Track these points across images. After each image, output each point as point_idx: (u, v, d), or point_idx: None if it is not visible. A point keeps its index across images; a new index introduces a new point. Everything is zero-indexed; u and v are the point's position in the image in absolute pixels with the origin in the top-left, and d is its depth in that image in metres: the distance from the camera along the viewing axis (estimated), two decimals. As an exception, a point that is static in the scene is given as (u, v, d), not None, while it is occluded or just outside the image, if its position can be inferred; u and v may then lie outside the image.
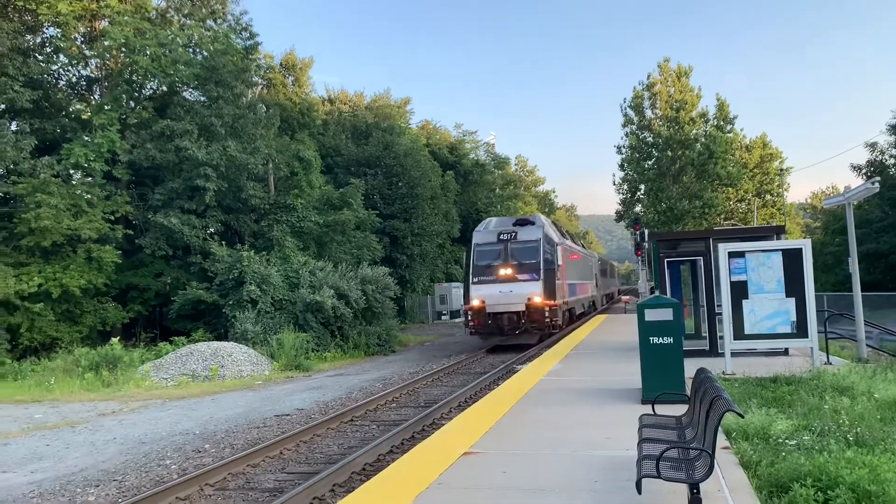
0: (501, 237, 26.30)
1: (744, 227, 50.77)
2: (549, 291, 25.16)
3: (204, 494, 9.06)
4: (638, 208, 57.86)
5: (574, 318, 32.50)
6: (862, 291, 16.25)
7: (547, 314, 24.76)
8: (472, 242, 27.03)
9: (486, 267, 25.86)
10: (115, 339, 24.44)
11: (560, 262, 26.68)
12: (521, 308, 24.86)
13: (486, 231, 27.41)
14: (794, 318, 12.99)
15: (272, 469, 10.33)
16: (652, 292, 20.52)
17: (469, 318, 25.72)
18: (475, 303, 25.37)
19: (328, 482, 8.79)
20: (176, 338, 27.44)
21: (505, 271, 25.47)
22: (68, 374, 22.00)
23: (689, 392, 7.63)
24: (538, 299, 24.74)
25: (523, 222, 27.06)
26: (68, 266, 28.19)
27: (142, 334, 31.29)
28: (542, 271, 25.22)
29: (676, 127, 55.54)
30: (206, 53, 33.86)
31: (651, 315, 10.40)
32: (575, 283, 32.11)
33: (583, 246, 44.79)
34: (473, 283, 25.79)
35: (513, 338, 25.44)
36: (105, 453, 12.07)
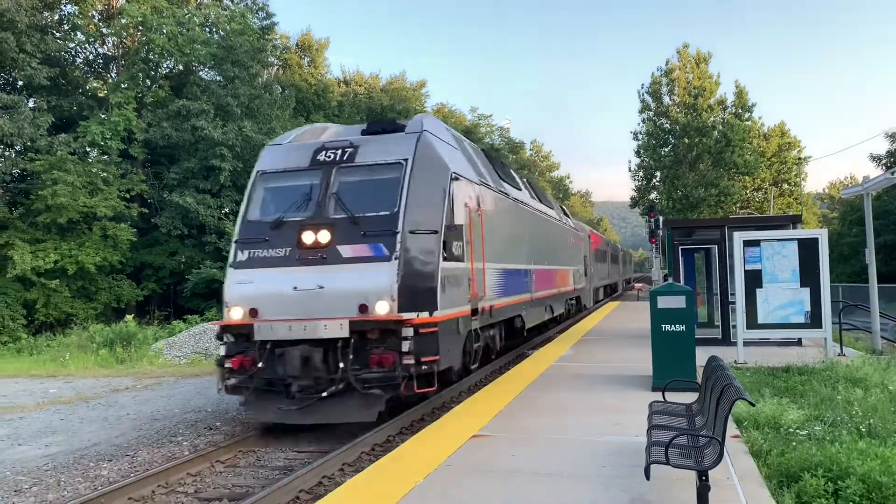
0: (321, 158, 11.49)
1: (759, 215, 50.38)
2: (419, 288, 10.48)
3: (215, 471, 9.14)
4: (653, 195, 57.58)
5: (521, 338, 18.11)
6: (878, 283, 16.11)
7: (409, 347, 9.93)
8: (254, 171, 12.21)
9: (271, 228, 11.05)
10: (129, 317, 24.66)
11: (465, 220, 12.16)
12: (341, 332, 9.91)
13: (288, 147, 12.34)
14: (808, 308, 12.90)
15: (283, 448, 10.40)
16: (665, 280, 20.41)
17: (223, 353, 10.86)
18: (233, 315, 10.72)
19: (338, 461, 8.84)
20: (189, 316, 27.67)
21: (312, 237, 10.66)
22: (83, 350, 22.24)
23: (700, 380, 7.61)
24: (385, 307, 10.07)
25: (383, 128, 12.35)
26: (84, 243, 28.44)
27: (156, 312, 31.56)
28: (400, 239, 10.39)
29: (694, 114, 55.06)
30: (222, 33, 33.89)
31: (664, 302, 10.36)
32: (525, 272, 17.24)
33: (565, 211, 28.88)
34: (234, 265, 11.11)
35: (316, 409, 10.02)
36: (118, 428, 12.20)
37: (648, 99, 57.66)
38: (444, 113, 64.85)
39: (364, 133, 12.24)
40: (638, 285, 52.63)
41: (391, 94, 54.65)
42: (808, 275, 12.86)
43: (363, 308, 10.03)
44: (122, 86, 31.28)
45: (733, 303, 14.00)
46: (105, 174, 29.61)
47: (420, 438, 7.87)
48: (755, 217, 41.74)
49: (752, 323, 13.06)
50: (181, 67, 34.25)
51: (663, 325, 10.28)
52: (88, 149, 30.43)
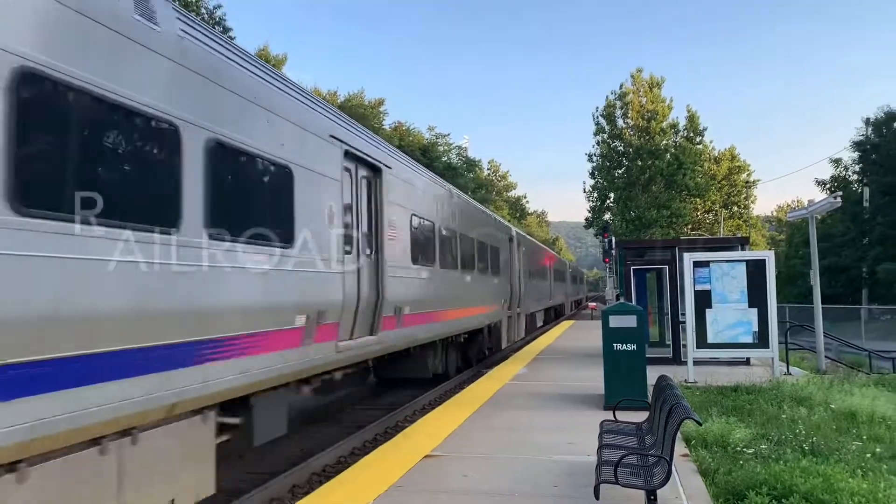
0: None
1: (709, 237, 51.47)
2: None
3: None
4: (607, 216, 58.41)
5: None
6: (823, 304, 16.55)
7: None
8: None
9: None
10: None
11: None
12: None
13: None
14: (756, 328, 13.17)
15: (232, 470, 10.18)
16: (618, 299, 20.67)
17: None
18: None
19: (287, 483, 8.70)
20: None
21: None
22: None
23: (650, 399, 7.70)
24: None
25: None
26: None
27: None
28: None
29: (647, 137, 56.21)
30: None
31: (615, 321, 10.48)
32: None
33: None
34: None
35: None
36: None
37: (603, 122, 58.70)
38: (402, 131, 65.02)
39: None
40: (592, 304, 53.21)
41: (349, 112, 54.59)
42: (756, 295, 13.15)
43: None
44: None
45: (684, 322, 14.22)
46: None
47: (371, 459, 7.78)
48: (705, 238, 42.63)
49: (701, 342, 13.27)
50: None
51: (615, 344, 10.39)
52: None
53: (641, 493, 5.31)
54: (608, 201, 59.55)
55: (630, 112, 57.45)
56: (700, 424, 6.00)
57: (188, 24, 6.21)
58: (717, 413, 9.60)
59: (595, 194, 60.09)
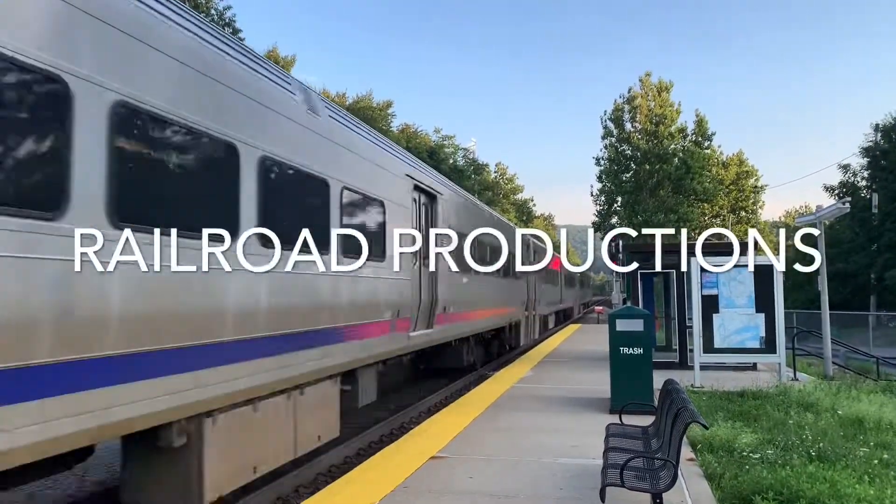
0: None
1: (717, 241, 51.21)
2: None
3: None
4: (614, 220, 58.29)
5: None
6: (830, 310, 16.48)
7: None
8: None
9: None
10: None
11: None
12: None
13: None
14: (763, 333, 13.13)
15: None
16: (624, 303, 20.61)
17: None
18: None
19: (293, 483, 8.70)
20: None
21: None
22: None
23: (657, 403, 7.69)
24: None
25: None
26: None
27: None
28: None
29: (655, 141, 56.10)
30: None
31: (622, 325, 10.47)
32: None
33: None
34: None
35: None
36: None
37: (611, 125, 58.62)
38: (409, 133, 65.08)
39: None
40: (599, 308, 53.18)
41: (357, 114, 54.63)
42: (764, 301, 13.10)
43: None
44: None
45: (691, 327, 14.18)
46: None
47: (377, 460, 7.80)
48: (713, 243, 42.48)
49: (708, 347, 13.24)
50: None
51: (621, 348, 10.37)
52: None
53: (647, 497, 5.31)
54: (615, 205, 59.45)
55: (638, 116, 57.37)
56: (706, 428, 6.00)
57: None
58: (724, 418, 9.59)
59: (602, 198, 59.98)
